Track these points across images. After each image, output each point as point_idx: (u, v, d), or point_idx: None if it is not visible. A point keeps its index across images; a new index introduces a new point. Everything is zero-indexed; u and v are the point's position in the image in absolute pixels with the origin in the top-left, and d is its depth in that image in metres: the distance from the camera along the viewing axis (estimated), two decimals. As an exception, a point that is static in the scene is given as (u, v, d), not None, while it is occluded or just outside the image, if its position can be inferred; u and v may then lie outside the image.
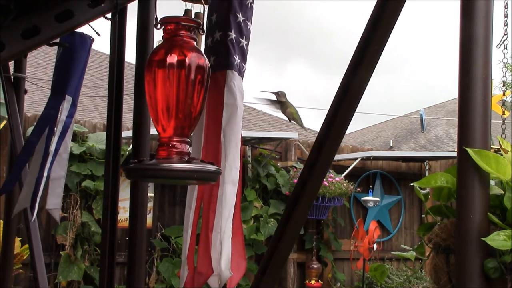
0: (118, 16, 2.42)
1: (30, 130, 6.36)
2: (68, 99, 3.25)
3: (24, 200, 3.20)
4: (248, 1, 2.60)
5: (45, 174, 3.24)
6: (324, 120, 1.94)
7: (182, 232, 2.72)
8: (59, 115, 3.24)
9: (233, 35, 2.53)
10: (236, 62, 2.53)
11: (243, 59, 2.59)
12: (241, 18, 2.55)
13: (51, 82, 3.44)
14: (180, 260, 2.71)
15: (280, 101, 2.03)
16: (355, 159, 8.21)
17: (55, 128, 3.25)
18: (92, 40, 3.29)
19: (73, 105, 3.30)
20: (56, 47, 3.14)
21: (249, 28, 2.62)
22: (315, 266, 7.92)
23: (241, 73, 2.56)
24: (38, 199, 3.23)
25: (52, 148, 3.26)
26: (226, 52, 2.51)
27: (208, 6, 2.62)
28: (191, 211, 2.59)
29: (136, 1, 2.46)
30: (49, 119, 3.28)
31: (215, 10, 2.59)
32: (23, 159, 3.36)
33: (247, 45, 2.61)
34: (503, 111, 1.88)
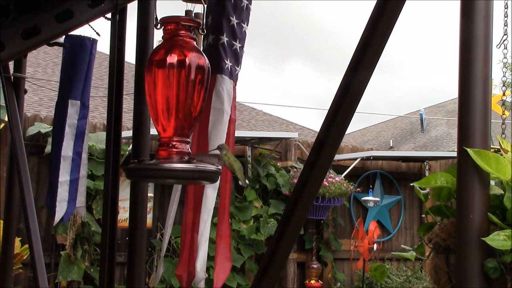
0: (118, 16, 2.42)
1: (30, 130, 6.36)
2: (73, 103, 3.28)
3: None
4: (243, 3, 2.59)
5: (68, 178, 3.29)
6: (324, 120, 1.94)
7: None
8: (67, 119, 3.27)
9: (225, 38, 2.53)
10: (227, 66, 2.54)
11: (236, 62, 2.60)
12: (234, 20, 2.55)
13: (58, 88, 3.48)
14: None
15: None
16: (355, 159, 8.21)
17: (65, 132, 3.29)
18: (94, 41, 3.29)
19: (84, 107, 3.33)
20: (56, 47, 3.15)
21: (244, 31, 2.62)
22: (315, 266, 7.92)
23: (232, 76, 2.57)
24: (66, 203, 3.28)
25: (69, 152, 3.30)
26: (217, 56, 2.52)
27: (206, 7, 2.62)
28: (172, 209, 2.64)
29: (136, 1, 2.46)
30: (60, 127, 3.32)
31: (211, 13, 2.60)
32: (51, 177, 3.45)
33: (241, 47, 2.61)
34: (503, 111, 1.89)
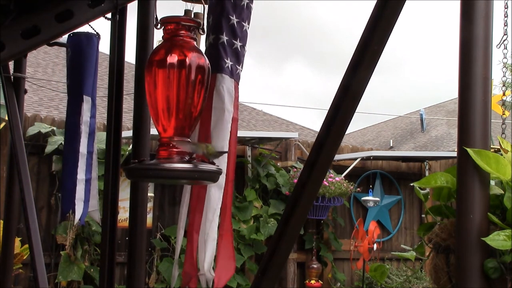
0: (118, 16, 2.42)
1: (30, 130, 6.36)
2: (86, 99, 3.27)
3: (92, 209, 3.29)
4: (243, 2, 2.59)
5: (84, 177, 3.26)
6: (324, 120, 1.94)
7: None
8: (81, 117, 3.26)
9: (224, 38, 2.53)
10: (227, 65, 2.53)
11: (237, 61, 2.59)
12: (234, 20, 2.55)
13: (66, 87, 3.45)
14: (180, 259, 2.73)
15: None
16: (355, 159, 8.21)
17: (81, 130, 3.26)
18: (99, 37, 3.30)
19: (93, 105, 3.32)
20: (56, 47, 3.15)
21: (245, 29, 2.61)
22: (315, 266, 7.92)
23: (233, 75, 2.56)
24: (82, 203, 3.25)
25: (84, 150, 3.28)
26: (217, 56, 2.51)
27: (207, 8, 2.62)
28: (183, 210, 2.63)
29: (136, 1, 2.46)
30: (74, 123, 3.30)
31: (211, 13, 2.59)
32: (67, 178, 3.40)
33: (242, 46, 2.60)
34: (503, 111, 1.89)
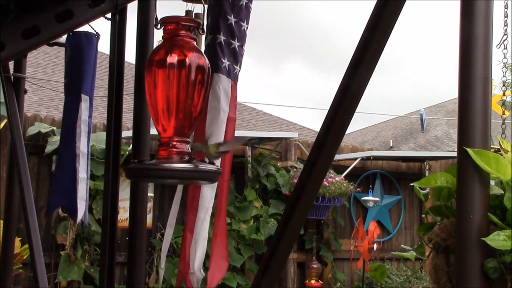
0: (118, 16, 2.42)
1: (30, 130, 6.36)
2: (85, 98, 3.27)
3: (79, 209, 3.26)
4: (242, 2, 2.58)
5: (85, 175, 3.25)
6: (324, 120, 1.94)
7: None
8: (80, 115, 3.25)
9: (222, 37, 2.53)
10: (224, 64, 2.53)
11: (235, 60, 2.59)
12: (232, 19, 2.55)
13: (64, 85, 3.44)
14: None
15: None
16: (355, 159, 8.21)
17: (80, 129, 3.25)
18: (98, 37, 3.30)
19: (91, 105, 3.32)
20: (56, 47, 3.14)
21: (243, 29, 2.61)
22: (315, 266, 7.92)
23: (230, 75, 2.56)
24: (84, 202, 3.24)
25: (84, 149, 3.27)
26: (214, 55, 2.51)
27: (207, 7, 2.62)
28: (173, 209, 2.64)
29: (136, 1, 2.46)
30: (72, 122, 3.29)
31: (210, 13, 2.60)
32: (62, 175, 3.36)
33: (240, 46, 2.60)
34: (503, 111, 1.89)
